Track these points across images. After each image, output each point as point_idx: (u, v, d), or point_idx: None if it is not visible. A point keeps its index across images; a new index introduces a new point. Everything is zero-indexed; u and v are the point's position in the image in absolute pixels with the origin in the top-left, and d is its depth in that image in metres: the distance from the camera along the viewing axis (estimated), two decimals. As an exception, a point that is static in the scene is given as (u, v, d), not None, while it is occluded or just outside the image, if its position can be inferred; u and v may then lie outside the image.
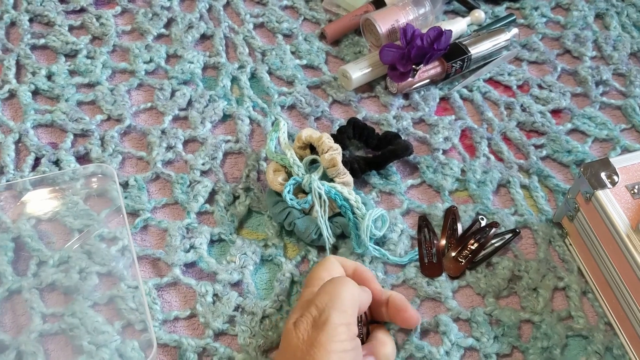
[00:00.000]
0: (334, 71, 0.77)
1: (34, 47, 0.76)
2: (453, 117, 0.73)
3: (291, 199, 0.59)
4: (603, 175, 0.56)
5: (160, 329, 0.55)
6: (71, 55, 0.76)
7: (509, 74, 0.78)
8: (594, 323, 0.57)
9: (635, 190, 0.55)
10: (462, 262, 0.60)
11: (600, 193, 0.55)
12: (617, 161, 0.57)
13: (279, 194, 0.61)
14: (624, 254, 0.52)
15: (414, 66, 0.71)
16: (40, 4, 0.80)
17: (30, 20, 0.79)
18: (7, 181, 0.64)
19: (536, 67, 0.80)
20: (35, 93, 0.72)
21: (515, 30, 0.80)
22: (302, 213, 0.61)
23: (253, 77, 0.76)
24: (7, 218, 0.61)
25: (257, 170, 0.66)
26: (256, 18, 0.82)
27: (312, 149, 0.63)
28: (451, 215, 0.63)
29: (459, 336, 0.55)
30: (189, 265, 0.60)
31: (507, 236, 0.62)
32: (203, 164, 0.66)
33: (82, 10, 0.81)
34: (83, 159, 0.67)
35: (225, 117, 0.72)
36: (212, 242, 0.62)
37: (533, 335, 0.56)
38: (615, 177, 0.55)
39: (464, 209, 0.64)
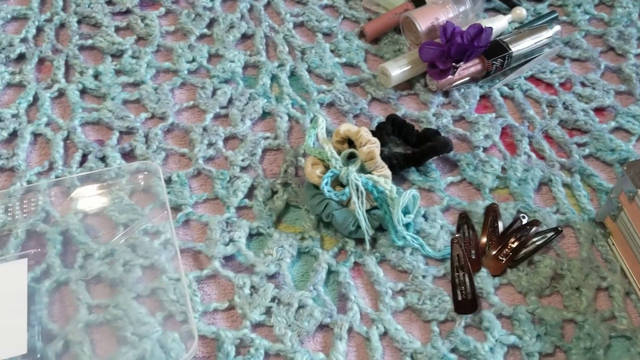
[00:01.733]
0: (373, 69, 0.77)
1: (82, 48, 0.79)
2: (493, 114, 0.72)
3: (329, 191, 0.59)
4: (648, 173, 0.54)
5: (200, 321, 0.57)
6: (117, 55, 0.78)
7: (551, 72, 0.77)
8: (637, 324, 0.56)
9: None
10: (502, 260, 0.59)
11: (645, 191, 0.53)
12: (663, 159, 0.55)
13: (316, 187, 0.61)
14: (671, 253, 0.51)
15: (453, 64, 0.71)
16: (88, 6, 0.83)
17: (79, 22, 0.82)
18: (56, 177, 0.66)
19: (579, 65, 0.78)
20: (83, 92, 0.75)
21: (557, 28, 0.79)
22: (340, 205, 0.61)
23: (292, 75, 0.77)
24: (57, 212, 0.63)
25: (295, 166, 0.67)
26: (296, 17, 0.83)
27: (351, 144, 0.63)
28: (492, 212, 0.62)
29: (502, 333, 0.55)
30: (228, 259, 0.61)
31: (549, 234, 0.61)
32: (243, 160, 0.68)
33: (128, 11, 0.83)
34: (128, 155, 0.69)
35: (265, 115, 0.73)
36: (250, 235, 0.62)
37: (576, 336, 0.55)
38: (661, 175, 0.54)
39: (505, 207, 0.63)
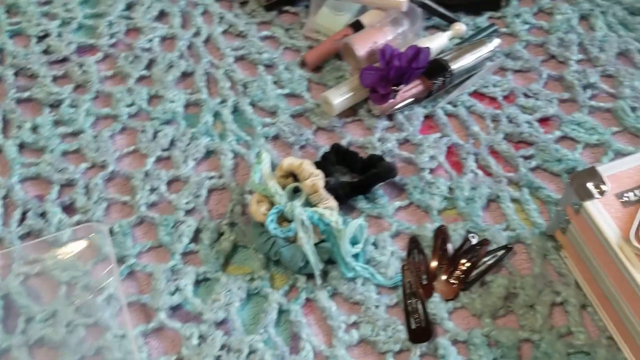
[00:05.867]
0: (316, 98, 0.76)
1: (19, 101, 0.77)
2: (438, 134, 0.72)
3: (274, 228, 0.58)
4: (590, 185, 0.54)
5: (150, 377, 0.55)
6: (55, 105, 0.77)
7: (494, 85, 0.77)
8: (595, 338, 0.55)
9: (626, 198, 0.53)
10: (454, 283, 0.58)
11: (588, 204, 0.53)
12: (605, 169, 0.55)
13: (263, 225, 0.60)
14: (617, 266, 0.50)
15: (393, 87, 0.70)
16: (24, 57, 0.81)
17: (16, 74, 0.80)
18: (-5, 237, 0.64)
19: (521, 76, 0.78)
20: (22, 146, 0.73)
21: (497, 41, 0.79)
22: (288, 242, 0.60)
23: (235, 110, 0.76)
24: (-4, 275, 0.61)
25: (241, 204, 0.66)
26: (236, 51, 0.82)
27: (296, 178, 0.62)
28: (441, 235, 0.62)
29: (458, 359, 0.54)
30: (176, 308, 0.59)
31: (500, 253, 0.60)
32: (187, 203, 0.66)
33: (65, 59, 0.81)
34: (69, 208, 0.67)
35: (209, 154, 0.71)
36: (197, 282, 0.61)
37: (533, 356, 0.54)
38: (603, 187, 0.53)
39: (454, 228, 0.62)
